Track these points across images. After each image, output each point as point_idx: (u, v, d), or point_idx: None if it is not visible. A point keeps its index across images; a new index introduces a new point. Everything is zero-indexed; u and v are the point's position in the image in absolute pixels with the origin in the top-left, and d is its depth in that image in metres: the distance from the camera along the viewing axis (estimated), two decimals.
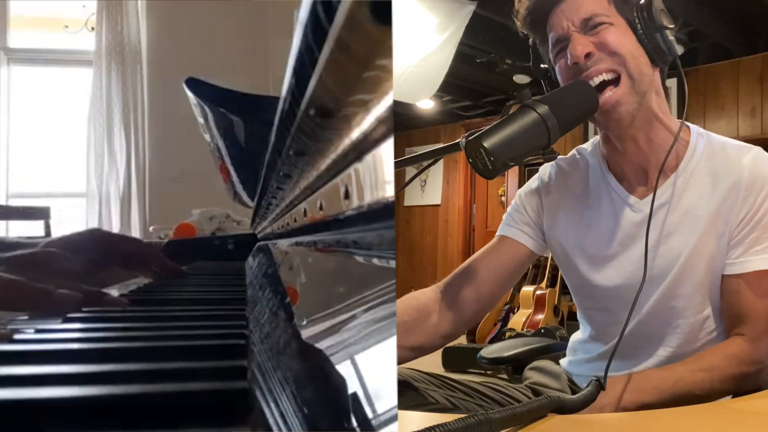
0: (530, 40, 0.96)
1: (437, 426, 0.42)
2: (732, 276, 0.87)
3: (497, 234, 1.06)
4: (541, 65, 0.96)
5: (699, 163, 0.90)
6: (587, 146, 1.04)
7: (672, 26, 0.87)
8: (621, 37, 0.86)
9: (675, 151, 0.90)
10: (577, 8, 0.87)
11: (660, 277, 0.90)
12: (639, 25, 0.86)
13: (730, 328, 0.89)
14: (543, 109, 0.76)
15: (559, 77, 0.91)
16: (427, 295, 0.99)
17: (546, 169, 1.06)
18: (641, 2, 0.87)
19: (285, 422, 0.33)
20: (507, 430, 0.51)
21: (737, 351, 0.84)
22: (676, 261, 0.88)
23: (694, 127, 0.95)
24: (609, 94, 0.85)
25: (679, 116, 0.96)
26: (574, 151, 1.05)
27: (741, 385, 0.82)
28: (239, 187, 1.58)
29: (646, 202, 0.91)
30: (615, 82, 0.86)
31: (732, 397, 0.83)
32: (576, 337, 1.08)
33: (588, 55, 0.85)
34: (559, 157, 1.00)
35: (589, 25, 0.86)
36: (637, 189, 0.94)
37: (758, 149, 0.90)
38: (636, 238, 0.92)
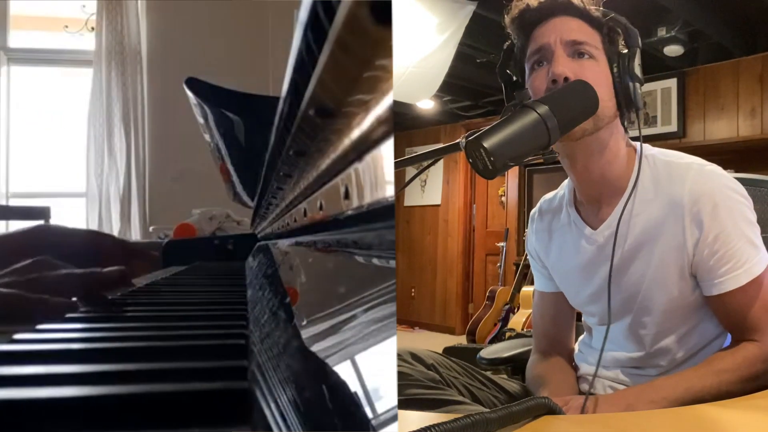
0: (506, 43, 0.97)
1: (434, 426, 0.42)
2: (714, 296, 0.87)
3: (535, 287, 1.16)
4: (507, 71, 0.97)
5: (645, 188, 0.90)
6: (567, 180, 1.05)
7: (641, 84, 0.90)
8: (599, 76, 0.88)
9: (622, 178, 0.92)
10: (569, 29, 0.89)
11: (626, 306, 0.92)
12: (617, 70, 0.89)
13: (734, 336, 0.90)
14: (543, 109, 0.76)
15: (528, 86, 0.92)
16: (541, 366, 1.08)
17: (533, 212, 1.12)
18: (625, 51, 0.89)
19: (285, 422, 0.33)
20: (504, 429, 0.51)
21: (746, 353, 0.84)
22: (639, 289, 0.91)
23: (639, 150, 0.94)
24: None
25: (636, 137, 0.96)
26: (561, 186, 1.09)
27: (754, 385, 0.82)
28: (239, 187, 1.58)
29: (600, 232, 0.94)
30: None
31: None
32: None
33: (566, 79, 0.86)
34: (543, 197, 1.10)
35: (575, 50, 0.88)
36: (593, 219, 0.97)
37: (699, 166, 0.89)
38: (595, 269, 0.96)
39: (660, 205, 0.88)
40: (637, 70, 0.89)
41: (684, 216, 0.86)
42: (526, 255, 4.55)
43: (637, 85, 0.89)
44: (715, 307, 0.89)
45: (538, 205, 1.11)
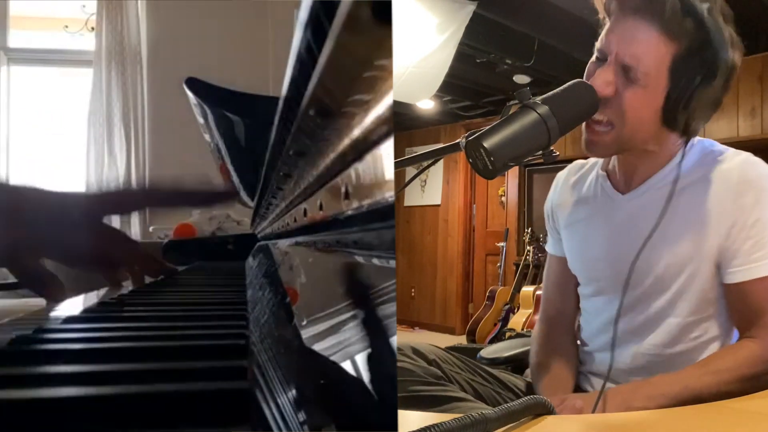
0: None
1: (434, 425, 0.42)
2: (735, 284, 0.87)
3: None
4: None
5: (688, 170, 0.89)
6: None
7: (705, 121, 0.86)
8: (640, 104, 0.83)
9: (661, 159, 0.92)
10: (633, 44, 0.82)
11: (642, 277, 0.91)
12: (676, 96, 0.83)
13: (742, 332, 0.90)
14: (543, 109, 0.76)
15: (587, 71, 0.89)
16: (542, 333, 1.09)
17: (560, 173, 1.12)
18: (696, 83, 0.82)
19: (285, 422, 0.33)
20: (503, 428, 0.51)
21: (747, 353, 0.84)
22: (657, 263, 0.90)
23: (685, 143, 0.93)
24: (595, 129, 0.86)
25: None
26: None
27: (753, 385, 0.81)
28: (239, 187, 1.58)
29: (627, 199, 0.95)
30: (608, 124, 0.86)
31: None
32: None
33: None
34: (573, 162, 1.09)
35: (628, 72, 0.83)
36: (624, 188, 0.97)
37: (747, 155, 0.89)
38: (620, 237, 0.95)
39: (702, 189, 0.88)
40: (705, 103, 0.83)
41: (726, 201, 0.86)
42: (526, 255, 4.52)
43: (699, 120, 0.85)
44: (733, 297, 0.88)
45: (567, 167, 1.11)
